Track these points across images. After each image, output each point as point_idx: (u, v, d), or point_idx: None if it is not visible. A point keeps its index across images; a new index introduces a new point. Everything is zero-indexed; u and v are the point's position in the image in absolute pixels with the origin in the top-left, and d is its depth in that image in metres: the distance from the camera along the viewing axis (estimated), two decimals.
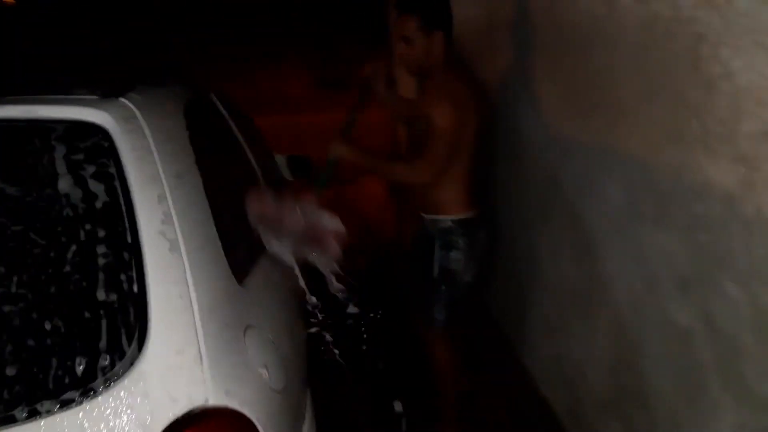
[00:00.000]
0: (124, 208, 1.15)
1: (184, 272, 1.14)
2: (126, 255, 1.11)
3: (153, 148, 1.28)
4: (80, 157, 1.20)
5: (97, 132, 1.25)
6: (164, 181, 1.24)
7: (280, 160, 3.10)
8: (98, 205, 1.15)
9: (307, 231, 1.80)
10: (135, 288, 1.08)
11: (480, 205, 2.13)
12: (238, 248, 1.52)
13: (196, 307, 1.12)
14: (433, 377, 2.29)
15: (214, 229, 1.35)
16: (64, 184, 1.16)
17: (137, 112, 1.33)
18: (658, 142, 1.44)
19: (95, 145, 1.23)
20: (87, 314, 1.05)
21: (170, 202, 1.22)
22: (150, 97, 1.47)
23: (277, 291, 1.67)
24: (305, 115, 5.82)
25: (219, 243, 1.34)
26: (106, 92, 1.37)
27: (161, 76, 1.84)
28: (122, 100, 1.35)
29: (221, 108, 2.14)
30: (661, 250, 1.47)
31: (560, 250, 2.04)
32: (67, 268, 1.08)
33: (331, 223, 1.84)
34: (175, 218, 1.20)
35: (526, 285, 2.39)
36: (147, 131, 1.31)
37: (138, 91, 1.44)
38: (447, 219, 2.08)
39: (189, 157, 1.41)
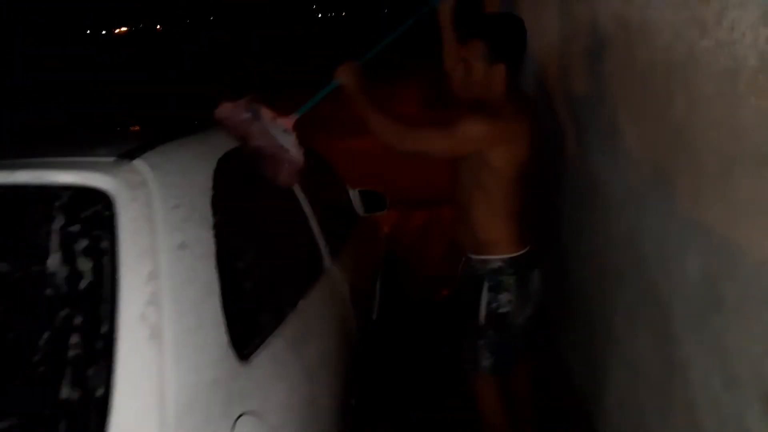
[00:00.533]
0: (108, 289, 1.09)
1: (161, 365, 1.05)
2: (99, 346, 1.04)
3: (157, 216, 1.22)
4: (76, 228, 1.16)
5: (101, 200, 1.21)
6: (161, 255, 1.17)
7: (354, 194, 3.01)
8: (82, 286, 1.09)
9: (267, 148, 1.76)
10: (101, 388, 1.00)
11: (532, 243, 1.96)
12: (254, 316, 1.42)
13: (170, 404, 1.03)
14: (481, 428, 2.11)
15: (218, 303, 1.26)
16: (54, 261, 1.12)
17: (149, 176, 1.28)
18: (744, 218, 1.17)
19: (95, 215, 1.18)
20: (47, 414, 0.99)
21: (163, 278, 1.14)
22: (173, 154, 1.42)
23: (303, 355, 1.56)
24: None
25: (222, 319, 1.25)
26: (122, 153, 1.33)
27: (203, 122, 1.80)
28: (136, 162, 1.31)
29: None
30: (742, 349, 1.19)
31: (636, 319, 1.76)
32: (36, 358, 1.03)
33: (292, 148, 1.79)
34: (165, 297, 1.13)
35: (600, 348, 2.11)
36: (156, 197, 1.25)
37: (159, 151, 1.40)
38: (497, 259, 1.93)
39: (204, 223, 1.34)
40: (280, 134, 1.82)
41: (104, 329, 1.04)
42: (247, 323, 1.37)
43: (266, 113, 1.83)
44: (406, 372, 3.15)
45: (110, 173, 1.24)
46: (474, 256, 2.01)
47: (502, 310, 1.94)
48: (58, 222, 1.16)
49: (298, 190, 2.11)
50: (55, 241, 1.14)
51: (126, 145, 1.40)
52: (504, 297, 1.93)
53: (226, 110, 1.73)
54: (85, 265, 1.11)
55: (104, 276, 1.10)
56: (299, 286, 1.78)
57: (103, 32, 32.44)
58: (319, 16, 35.27)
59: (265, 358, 1.36)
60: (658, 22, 1.46)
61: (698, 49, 1.28)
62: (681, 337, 1.48)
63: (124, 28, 33.83)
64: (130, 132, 2.09)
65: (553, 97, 2.56)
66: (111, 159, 1.31)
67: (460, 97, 1.94)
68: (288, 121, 1.86)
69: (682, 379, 1.47)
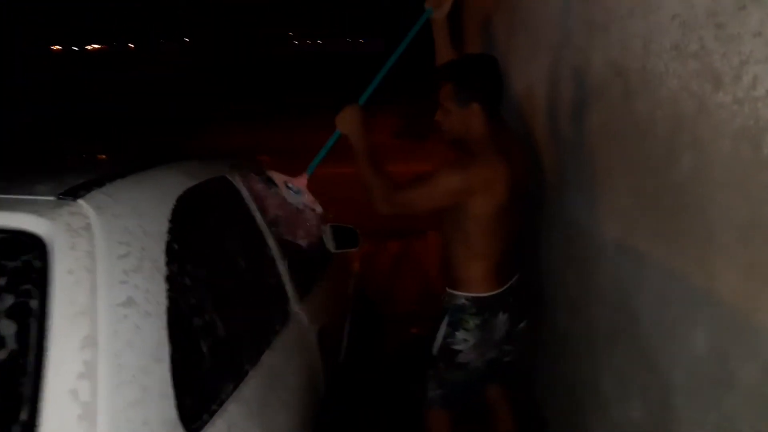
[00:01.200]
0: (32, 360, 0.91)
1: None
2: None
3: (100, 268, 1.05)
4: (1, 282, 0.98)
5: (34, 247, 1.03)
6: (100, 315, 1.00)
7: (325, 230, 2.85)
8: (1, 356, 0.91)
9: (289, 214, 1.94)
10: None
11: (504, 286, 1.96)
12: (210, 381, 1.25)
13: None
14: None
15: (167, 370, 1.09)
16: None
17: (93, 219, 1.11)
18: (759, 291, 1.06)
19: (25, 266, 1.01)
20: None
21: (101, 344, 0.97)
22: (124, 193, 1.26)
23: (264, 419, 1.39)
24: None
25: (170, 389, 1.07)
26: (64, 192, 1.16)
27: (164, 155, 1.64)
28: (80, 202, 1.14)
29: (242, 188, 1.91)
30: None
31: (629, 390, 1.63)
32: None
33: (307, 205, 1.95)
34: (102, 368, 0.95)
35: (589, 419, 1.97)
36: (100, 245, 1.08)
37: (109, 189, 1.23)
38: (462, 295, 1.95)
39: (155, 275, 1.17)
40: (292, 196, 1.95)
41: (24, 412, 0.86)
42: (200, 391, 1.19)
43: (278, 177, 1.97)
44: (371, 418, 3.00)
45: (46, 215, 1.07)
46: (447, 289, 2.01)
47: (456, 347, 1.96)
48: None
49: (266, 230, 1.95)
50: None
51: (74, 180, 1.23)
52: (460, 335, 1.94)
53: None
54: (7, 328, 0.93)
55: (30, 344, 0.92)
56: (263, 338, 1.61)
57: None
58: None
59: (224, 422, 1.19)
60: (662, 72, 1.36)
61: (711, 104, 1.17)
62: (682, 413, 1.35)
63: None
64: (90, 162, 1.91)
65: (535, 142, 2.46)
66: (51, 198, 1.14)
67: (446, 139, 1.95)
68: (300, 181, 1.98)
69: None
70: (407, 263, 5.20)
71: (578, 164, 1.98)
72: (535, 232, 2.50)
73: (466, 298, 1.94)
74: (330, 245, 2.84)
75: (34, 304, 0.96)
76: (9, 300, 0.96)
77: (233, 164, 1.99)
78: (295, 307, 1.97)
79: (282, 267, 1.96)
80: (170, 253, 1.25)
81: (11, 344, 0.92)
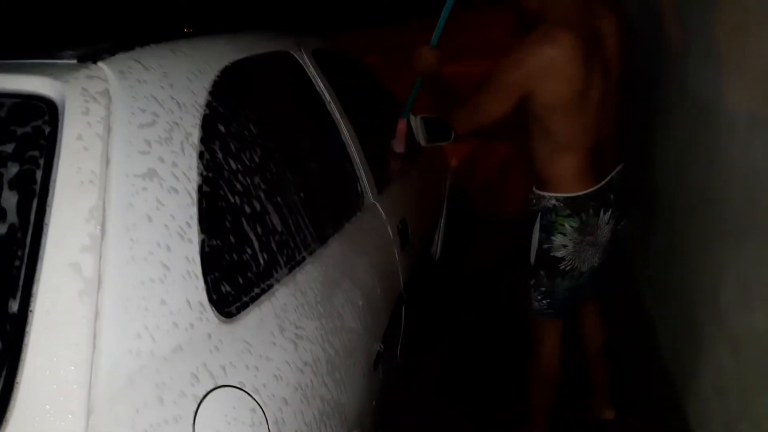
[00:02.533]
0: (30, 231, 0.83)
1: (93, 330, 0.79)
2: (12, 307, 0.79)
3: (116, 136, 0.94)
4: (8, 149, 0.90)
5: (46, 112, 0.94)
6: (113, 185, 0.90)
7: (415, 121, 2.65)
8: (1, 231, 0.84)
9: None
10: (3, 368, 0.76)
11: (602, 182, 1.74)
12: (248, 268, 1.14)
13: (103, 381, 0.78)
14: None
15: (196, 249, 0.99)
16: None
17: (113, 84, 1.00)
18: None
19: (35, 132, 0.92)
20: None
21: (112, 216, 0.88)
22: (155, 59, 1.13)
23: (314, 312, 1.28)
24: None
25: (198, 267, 0.98)
26: (85, 55, 1.05)
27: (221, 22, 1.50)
28: (100, 65, 1.03)
29: (310, 68, 1.75)
30: None
31: (754, 299, 1.35)
32: None
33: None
34: (110, 240, 0.86)
35: (703, 328, 1.70)
36: (119, 111, 0.98)
37: (137, 54, 1.11)
38: (552, 196, 1.74)
39: (186, 148, 1.05)
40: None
41: (20, 287, 0.79)
42: (240, 274, 1.09)
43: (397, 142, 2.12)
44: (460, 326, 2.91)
45: (62, 78, 0.97)
46: (535, 190, 1.82)
47: (555, 254, 1.77)
48: None
49: (341, 117, 1.79)
50: None
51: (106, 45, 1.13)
52: (557, 240, 1.76)
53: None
54: (9, 200, 0.86)
55: (31, 214, 0.84)
56: (326, 228, 1.49)
57: None
58: None
59: (258, 316, 1.09)
60: None
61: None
62: None
63: None
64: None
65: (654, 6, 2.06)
66: (72, 62, 1.04)
67: (526, 19, 1.70)
68: (401, 125, 2.10)
69: None
70: (515, 166, 4.90)
71: (704, 26, 1.60)
72: (650, 116, 2.16)
73: (557, 199, 1.73)
74: (421, 139, 2.65)
75: (38, 171, 0.88)
76: (14, 168, 0.88)
77: (303, 41, 1.83)
78: (372, 198, 1.83)
79: (357, 156, 1.81)
80: (208, 128, 1.13)
81: (11, 217, 0.84)
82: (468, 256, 3.49)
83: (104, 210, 0.87)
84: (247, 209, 1.19)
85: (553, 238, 1.76)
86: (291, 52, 1.68)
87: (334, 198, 1.63)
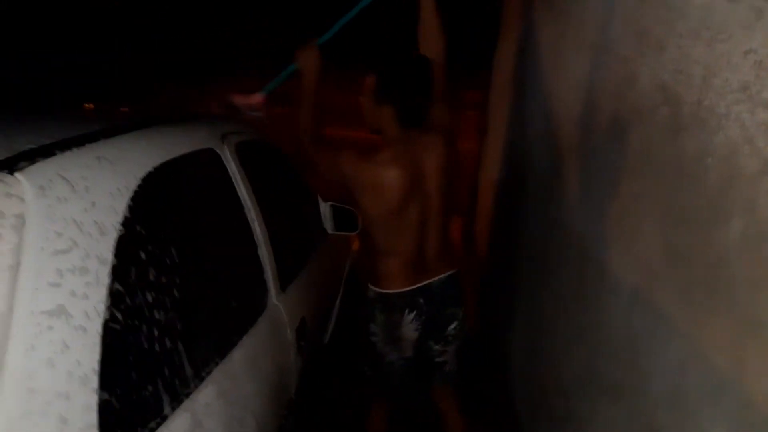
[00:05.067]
0: None
1: None
2: None
3: (24, 265, 0.88)
4: None
5: None
6: (13, 324, 0.83)
7: (324, 208, 2.68)
8: None
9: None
10: None
11: (413, 286, 1.96)
12: (153, 396, 1.10)
13: None
14: None
15: (94, 395, 0.93)
16: None
17: (29, 204, 0.94)
18: None
19: None
20: None
21: (9, 361, 0.81)
22: (77, 170, 1.07)
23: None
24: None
25: (95, 417, 0.92)
26: (2, 161, 0.98)
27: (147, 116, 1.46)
28: (18, 177, 0.96)
29: (231, 164, 1.73)
30: None
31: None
32: None
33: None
34: (4, 393, 0.79)
35: None
36: (31, 235, 0.91)
37: (59, 161, 1.05)
38: (371, 289, 2.02)
39: (98, 276, 1.00)
40: (253, 116, 2.11)
41: None
42: (136, 408, 1.04)
43: (238, 100, 2.09)
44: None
45: None
46: (365, 280, 2.08)
47: (372, 338, 2.04)
48: None
49: (254, 212, 1.78)
50: None
51: (25, 142, 1.06)
52: (372, 327, 2.03)
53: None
54: None
55: None
56: (227, 340, 1.46)
57: None
58: None
59: None
60: (721, 115, 1.16)
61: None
62: None
63: None
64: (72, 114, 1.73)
65: (557, 149, 2.25)
66: None
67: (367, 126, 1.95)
68: (256, 98, 2.07)
69: None
70: None
71: (601, 190, 1.78)
72: (534, 241, 2.33)
73: (374, 293, 2.00)
74: (328, 226, 2.68)
75: None
76: None
77: (227, 132, 1.81)
78: (274, 298, 1.82)
79: (265, 254, 1.79)
80: (122, 253, 1.08)
81: None
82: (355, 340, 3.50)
83: (2, 355, 0.81)
84: (155, 341, 1.14)
85: (371, 324, 2.03)
86: (214, 148, 1.66)
87: (241, 304, 1.60)
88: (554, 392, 2.06)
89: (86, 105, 2.07)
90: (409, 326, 1.99)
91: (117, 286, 1.03)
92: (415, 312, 1.98)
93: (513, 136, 3.39)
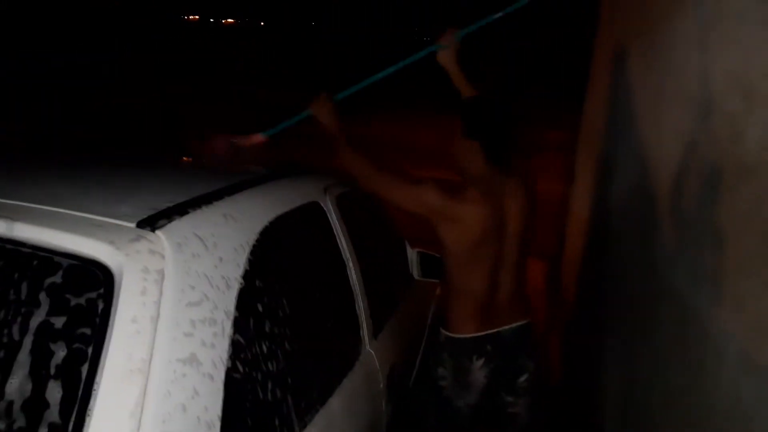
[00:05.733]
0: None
1: None
2: None
3: (164, 316, 0.97)
4: (58, 323, 0.92)
5: (102, 283, 0.97)
6: (154, 372, 0.92)
7: (412, 254, 2.73)
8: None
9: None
10: None
11: (484, 332, 1.93)
12: None
13: None
14: None
15: None
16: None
17: (168, 260, 1.04)
18: None
19: (89, 305, 0.95)
20: None
21: (149, 406, 0.89)
22: (206, 227, 1.17)
23: None
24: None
25: None
26: (144, 220, 1.09)
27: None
28: (158, 234, 1.07)
29: (333, 215, 1.82)
30: None
31: None
32: None
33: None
34: None
35: None
36: (170, 288, 1.01)
37: (192, 219, 1.15)
38: (442, 333, 1.99)
39: (224, 325, 1.08)
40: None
41: None
42: None
43: (240, 141, 2.07)
44: None
45: (122, 248, 1.00)
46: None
47: (440, 383, 2.01)
48: (43, 309, 0.93)
49: (352, 261, 1.84)
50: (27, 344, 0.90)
51: (157, 197, 1.17)
52: (440, 371, 2.00)
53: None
54: (53, 390, 0.87)
55: (74, 406, 0.85)
56: (326, 387, 1.51)
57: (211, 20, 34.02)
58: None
59: None
60: None
61: None
62: None
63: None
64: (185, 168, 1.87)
65: (650, 201, 2.21)
66: (131, 225, 1.08)
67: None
68: (258, 138, 2.07)
69: None
70: None
71: (704, 246, 1.72)
72: (627, 291, 2.26)
73: (445, 337, 1.98)
74: (415, 272, 2.72)
75: (88, 353, 0.89)
76: (61, 352, 0.90)
77: (329, 185, 1.90)
78: (367, 346, 1.86)
79: (360, 303, 1.85)
80: (243, 304, 1.16)
81: (53, 414, 0.85)
82: None
83: (143, 401, 0.89)
84: (267, 389, 1.20)
85: (438, 369, 2.00)
86: (319, 201, 1.75)
87: (338, 352, 1.66)
88: None
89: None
90: (479, 373, 1.97)
91: (237, 336, 1.11)
92: (483, 359, 1.96)
93: (602, 183, 3.34)
